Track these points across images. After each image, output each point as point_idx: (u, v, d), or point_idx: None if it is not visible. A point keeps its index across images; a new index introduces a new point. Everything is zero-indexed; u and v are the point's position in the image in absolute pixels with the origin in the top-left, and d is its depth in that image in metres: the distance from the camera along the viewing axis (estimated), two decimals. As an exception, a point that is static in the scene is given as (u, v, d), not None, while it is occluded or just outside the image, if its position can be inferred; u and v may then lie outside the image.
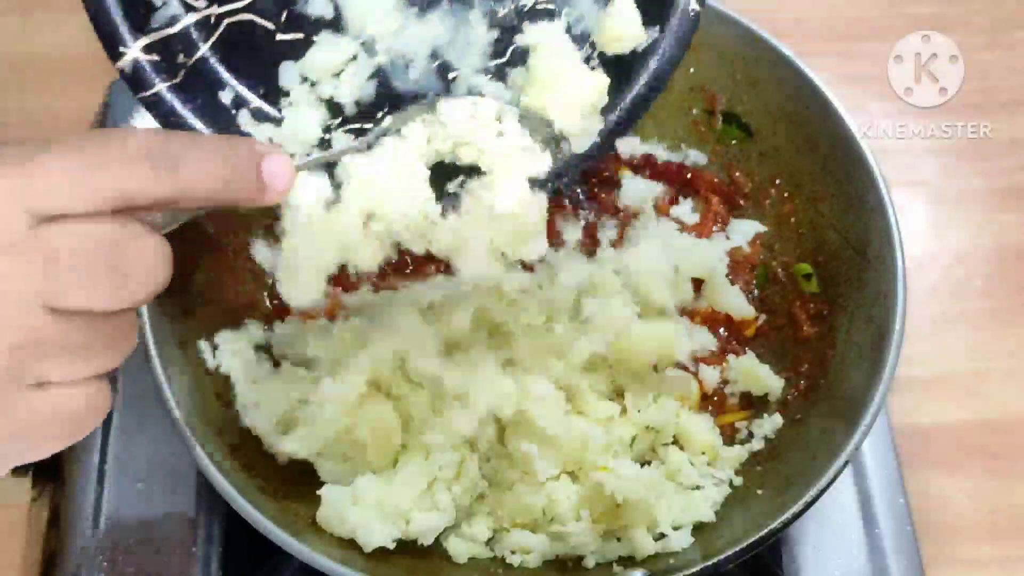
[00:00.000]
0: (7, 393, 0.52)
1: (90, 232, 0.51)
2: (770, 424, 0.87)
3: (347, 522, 0.77)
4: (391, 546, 0.77)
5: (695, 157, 0.99)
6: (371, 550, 0.76)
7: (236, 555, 0.87)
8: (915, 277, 0.84)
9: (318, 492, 0.80)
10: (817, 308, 0.90)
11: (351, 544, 0.77)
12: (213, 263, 0.89)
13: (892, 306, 0.81)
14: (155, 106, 0.68)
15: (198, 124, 0.69)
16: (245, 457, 0.80)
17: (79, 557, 0.86)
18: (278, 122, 0.70)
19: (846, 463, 0.76)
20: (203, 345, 0.85)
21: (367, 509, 0.78)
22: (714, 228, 0.97)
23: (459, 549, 0.80)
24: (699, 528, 0.80)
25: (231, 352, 0.86)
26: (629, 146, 1.00)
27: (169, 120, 0.68)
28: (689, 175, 0.99)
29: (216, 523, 0.88)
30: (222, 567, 0.86)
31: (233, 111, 0.70)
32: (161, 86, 0.69)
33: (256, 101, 0.71)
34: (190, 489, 0.88)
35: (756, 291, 0.95)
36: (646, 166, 1.00)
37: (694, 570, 0.73)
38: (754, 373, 0.88)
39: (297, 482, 0.82)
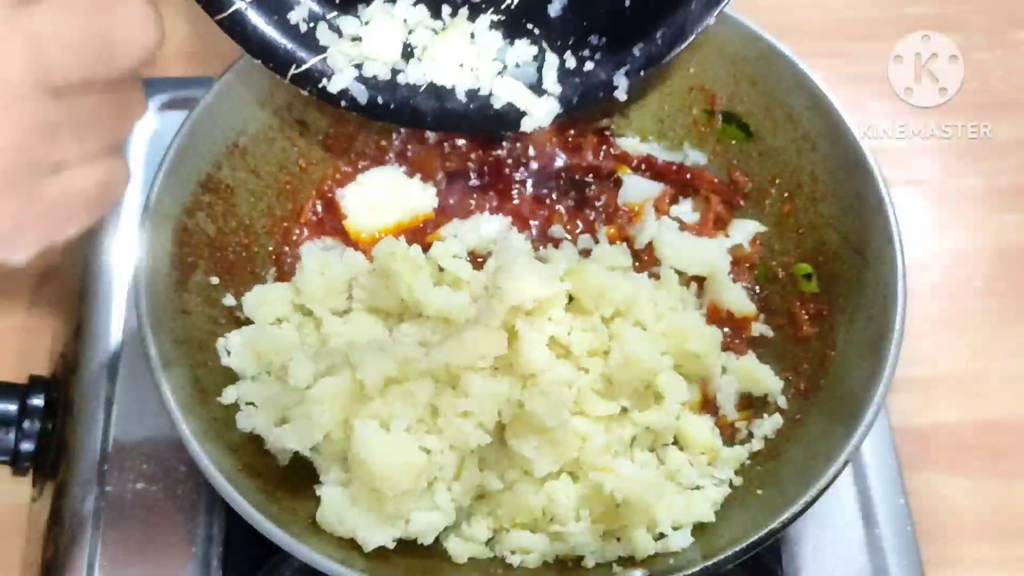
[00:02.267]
0: (26, 181, 0.52)
1: (73, 5, 0.51)
2: (770, 424, 0.87)
3: (347, 522, 0.77)
4: (391, 546, 0.77)
5: (695, 157, 0.99)
6: (371, 550, 0.77)
7: (236, 555, 0.87)
8: (915, 277, 0.84)
9: (318, 492, 0.80)
10: (817, 308, 0.90)
11: (351, 544, 0.77)
12: (213, 263, 0.89)
13: (892, 306, 0.81)
14: (234, 26, 0.70)
15: (279, 40, 0.70)
16: (245, 457, 0.80)
17: (79, 556, 0.86)
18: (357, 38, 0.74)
19: (846, 463, 0.76)
20: (203, 344, 0.85)
21: (367, 509, 0.78)
22: (714, 228, 0.97)
23: (459, 549, 0.80)
24: (699, 528, 0.80)
25: (232, 351, 0.86)
26: (629, 146, 1.00)
27: (250, 41, 0.70)
28: (689, 175, 0.99)
29: (216, 523, 0.88)
30: (222, 567, 0.86)
31: (311, 24, 0.72)
32: (240, 4, 0.71)
33: (332, 13, 0.74)
34: (190, 489, 0.88)
35: (756, 290, 0.95)
36: (646, 166, 1.00)
37: (694, 570, 0.73)
38: (754, 373, 0.88)
39: (297, 482, 0.82)
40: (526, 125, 0.90)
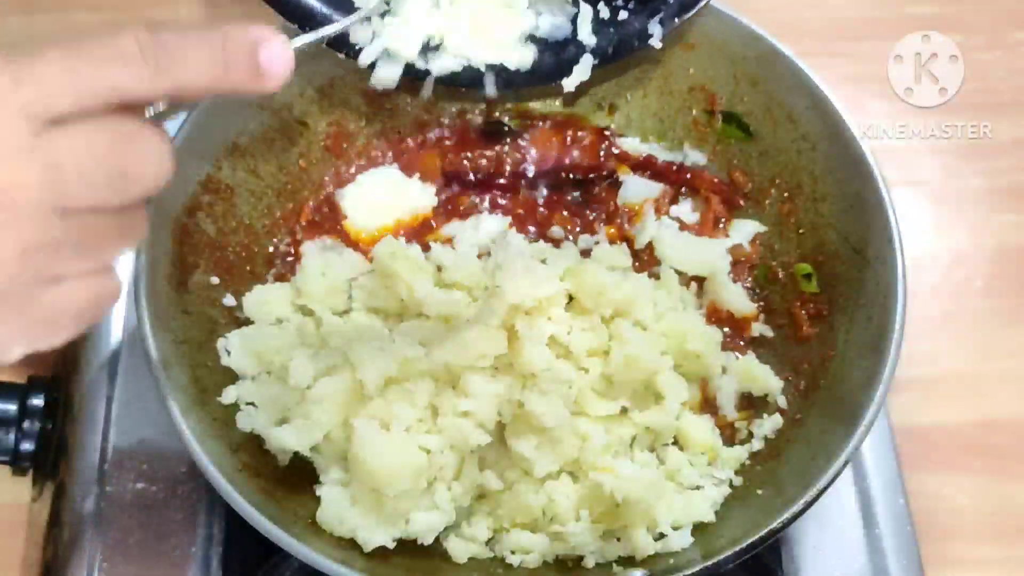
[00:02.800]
0: (24, 293, 0.54)
1: (92, 133, 0.52)
2: (770, 424, 0.87)
3: (347, 522, 0.77)
4: (391, 546, 0.77)
5: (695, 157, 0.99)
6: (371, 550, 0.77)
7: (236, 555, 0.87)
8: (915, 277, 0.84)
9: (318, 492, 0.80)
10: (817, 308, 0.90)
11: (351, 544, 0.77)
12: (213, 263, 0.89)
13: (892, 306, 0.81)
14: None
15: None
16: (245, 457, 0.80)
17: (79, 556, 0.86)
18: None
19: (846, 463, 0.76)
20: (203, 344, 0.85)
21: (367, 509, 0.78)
22: (714, 228, 0.97)
23: (459, 549, 0.80)
24: (699, 528, 0.80)
25: (232, 351, 0.86)
26: (629, 146, 1.00)
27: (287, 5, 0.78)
28: (689, 175, 0.99)
29: (216, 523, 0.88)
30: (222, 567, 0.86)
31: None
32: None
33: None
34: (190, 489, 0.88)
35: (756, 291, 0.95)
36: (646, 166, 1.00)
37: (694, 570, 0.73)
38: (754, 373, 0.88)
39: (297, 482, 0.82)
40: (568, 82, 0.93)
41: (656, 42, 0.91)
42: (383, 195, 0.97)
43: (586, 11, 0.91)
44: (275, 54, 0.60)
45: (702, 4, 0.90)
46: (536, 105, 1.00)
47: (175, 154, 0.56)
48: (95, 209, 0.54)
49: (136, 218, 0.57)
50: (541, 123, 1.00)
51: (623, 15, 0.91)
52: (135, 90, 0.53)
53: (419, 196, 0.97)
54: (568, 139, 1.00)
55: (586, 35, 0.92)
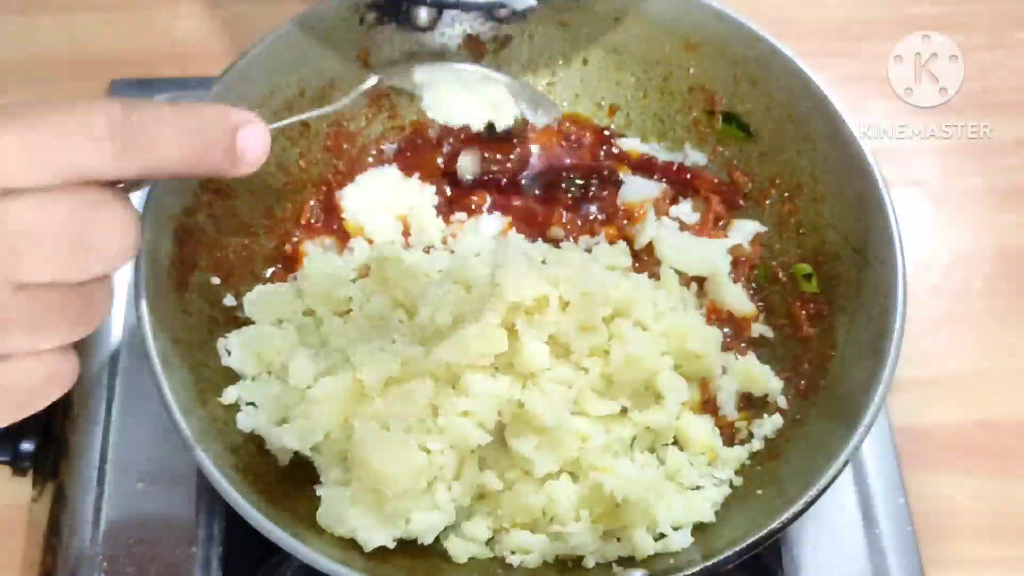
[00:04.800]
0: None
1: (52, 205, 0.49)
2: (770, 424, 0.87)
3: (347, 522, 0.77)
4: (391, 545, 0.77)
5: (695, 157, 1.00)
6: (371, 549, 0.77)
7: (236, 555, 0.87)
8: (915, 277, 0.84)
9: (318, 492, 0.80)
10: (817, 308, 0.90)
11: (351, 544, 0.77)
12: (213, 263, 0.89)
13: (892, 306, 0.81)
14: None
15: None
16: (245, 457, 0.80)
17: (79, 557, 0.86)
18: None
19: (846, 463, 0.76)
20: (203, 344, 0.85)
21: (367, 509, 0.78)
22: (714, 228, 0.97)
23: (459, 549, 0.80)
24: (699, 528, 0.80)
25: (232, 351, 0.86)
26: (629, 146, 1.00)
27: None
28: (689, 175, 0.99)
29: (216, 523, 0.88)
30: (222, 567, 0.86)
31: None
32: None
33: None
34: (190, 489, 0.88)
35: (756, 290, 0.95)
36: (646, 166, 1.00)
37: (694, 570, 0.73)
38: (754, 373, 0.88)
39: (297, 482, 0.82)
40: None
41: None
42: (383, 195, 0.97)
43: None
44: (253, 138, 0.58)
45: None
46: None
47: (139, 225, 0.53)
48: (53, 284, 0.50)
49: (97, 296, 0.53)
50: None
51: None
52: (98, 170, 0.50)
53: (419, 196, 0.97)
54: (568, 139, 1.00)
55: None
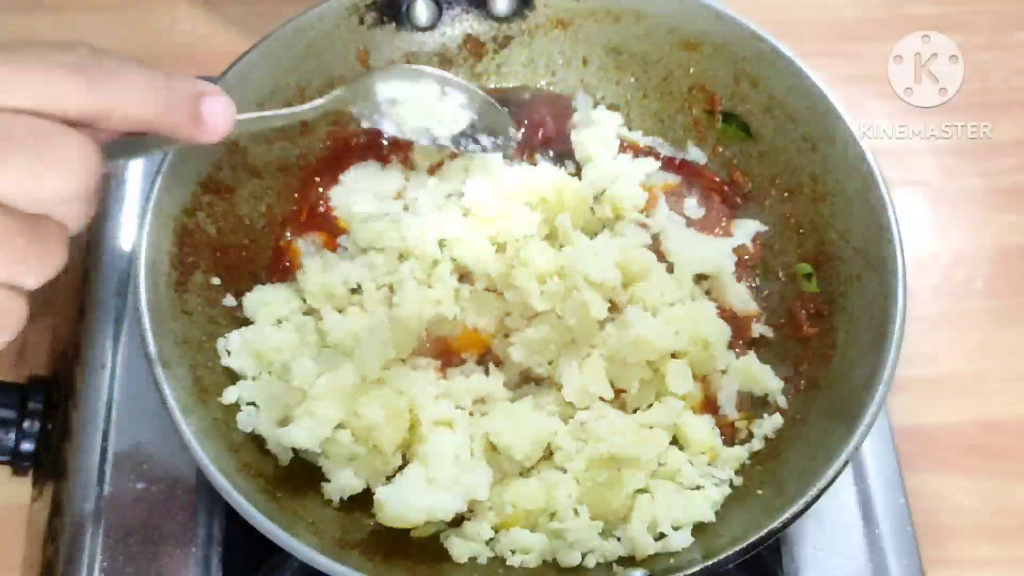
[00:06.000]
0: None
1: (11, 120, 0.50)
2: (770, 424, 0.87)
3: (416, 508, 0.77)
4: (464, 509, 0.78)
5: (695, 157, 0.99)
6: (451, 518, 0.78)
7: (236, 555, 0.87)
8: (915, 277, 0.84)
9: (375, 497, 0.79)
10: (817, 308, 0.90)
11: (351, 544, 0.78)
12: (213, 263, 0.89)
13: (892, 306, 0.81)
14: None
15: None
16: (245, 457, 0.80)
17: (79, 557, 0.86)
18: None
19: (846, 463, 0.76)
20: (203, 344, 0.85)
21: (427, 489, 0.78)
22: (717, 226, 0.97)
23: (459, 549, 0.80)
24: (699, 528, 0.80)
25: (232, 351, 0.86)
26: (632, 137, 1.00)
27: None
28: (690, 171, 0.99)
29: (216, 523, 0.88)
30: (222, 567, 0.86)
31: None
32: None
33: None
34: (190, 489, 0.88)
35: (757, 289, 0.95)
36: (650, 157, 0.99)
37: (694, 570, 0.73)
38: (754, 373, 0.88)
39: (297, 482, 0.82)
40: None
41: None
42: (367, 186, 0.96)
43: None
44: (219, 106, 0.59)
45: None
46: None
47: (102, 164, 0.53)
48: (3, 204, 0.50)
49: (49, 241, 0.53)
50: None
51: None
52: (64, 97, 0.51)
53: (399, 180, 0.97)
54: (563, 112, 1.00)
55: None
